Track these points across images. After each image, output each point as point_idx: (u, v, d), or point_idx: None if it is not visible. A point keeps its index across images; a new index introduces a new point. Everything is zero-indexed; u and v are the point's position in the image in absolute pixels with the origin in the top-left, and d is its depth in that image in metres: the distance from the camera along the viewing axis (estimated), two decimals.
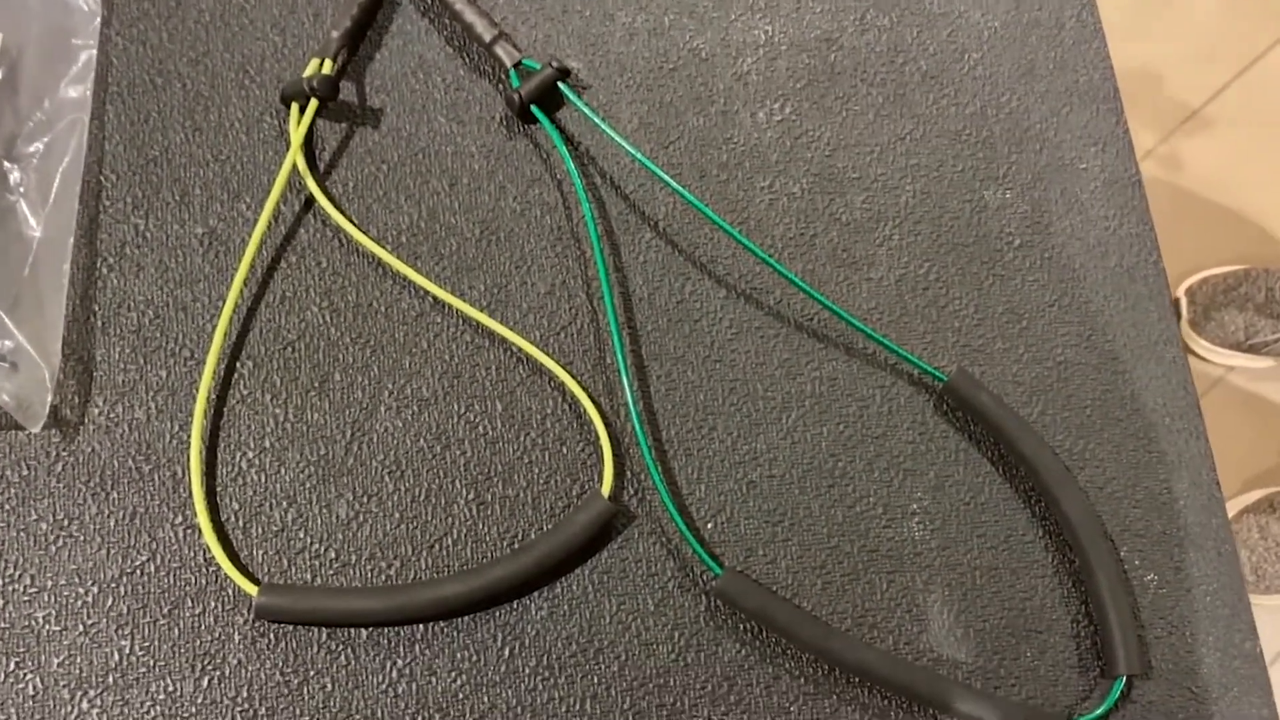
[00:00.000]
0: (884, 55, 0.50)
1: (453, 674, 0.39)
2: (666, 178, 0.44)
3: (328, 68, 0.45)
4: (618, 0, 0.49)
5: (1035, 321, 0.46)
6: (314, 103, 0.44)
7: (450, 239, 0.45)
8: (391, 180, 0.46)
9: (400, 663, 0.39)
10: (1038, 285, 0.47)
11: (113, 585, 0.39)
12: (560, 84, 0.46)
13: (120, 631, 0.39)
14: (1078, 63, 0.51)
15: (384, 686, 0.39)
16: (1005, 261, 0.47)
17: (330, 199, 0.45)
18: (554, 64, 0.46)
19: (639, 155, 0.45)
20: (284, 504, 0.41)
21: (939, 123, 0.49)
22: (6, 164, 0.43)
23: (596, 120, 0.45)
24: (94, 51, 0.45)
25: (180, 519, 0.40)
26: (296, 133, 0.44)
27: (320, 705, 0.39)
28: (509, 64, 0.46)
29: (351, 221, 0.45)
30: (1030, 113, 0.50)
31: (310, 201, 0.45)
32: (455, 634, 0.40)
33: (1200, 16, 1.30)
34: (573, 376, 0.43)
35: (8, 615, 0.38)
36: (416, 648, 0.40)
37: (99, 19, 0.45)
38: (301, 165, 0.44)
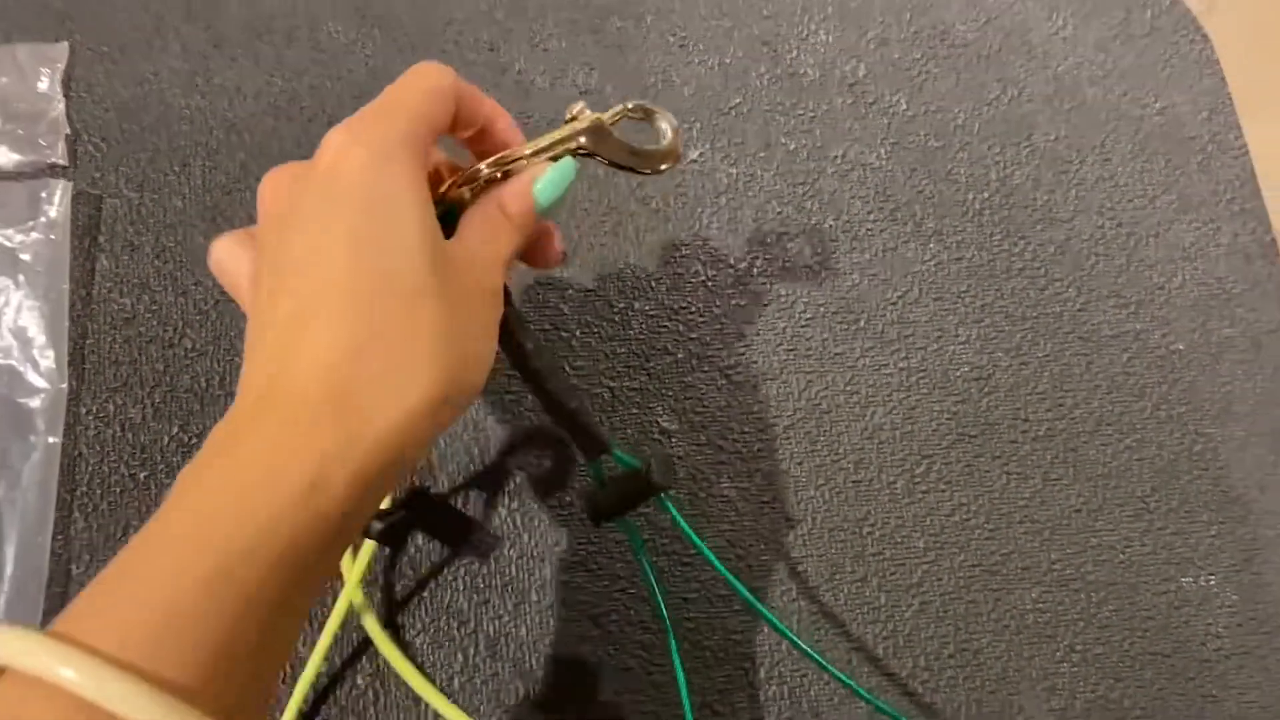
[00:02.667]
0: (1047, 394, 0.40)
1: None
2: (792, 635, 0.34)
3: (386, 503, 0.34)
4: (712, 334, 0.39)
5: None
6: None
7: (517, 684, 0.35)
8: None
9: None
10: (1257, 708, 0.37)
11: None
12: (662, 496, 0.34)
13: None
14: None
15: None
16: (1215, 675, 0.37)
17: (399, 643, 0.35)
18: (653, 470, 0.33)
19: (756, 603, 0.35)
20: None
21: (1120, 484, 0.39)
22: None
23: (700, 545, 0.33)
24: (59, 440, 0.35)
25: None
26: (353, 570, 0.34)
27: None
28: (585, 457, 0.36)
29: (424, 674, 0.34)
30: (1231, 467, 0.40)
31: (367, 645, 0.35)
32: None
33: None
34: None
35: None
36: None
37: (64, 390, 0.36)
38: (359, 599, 0.34)
